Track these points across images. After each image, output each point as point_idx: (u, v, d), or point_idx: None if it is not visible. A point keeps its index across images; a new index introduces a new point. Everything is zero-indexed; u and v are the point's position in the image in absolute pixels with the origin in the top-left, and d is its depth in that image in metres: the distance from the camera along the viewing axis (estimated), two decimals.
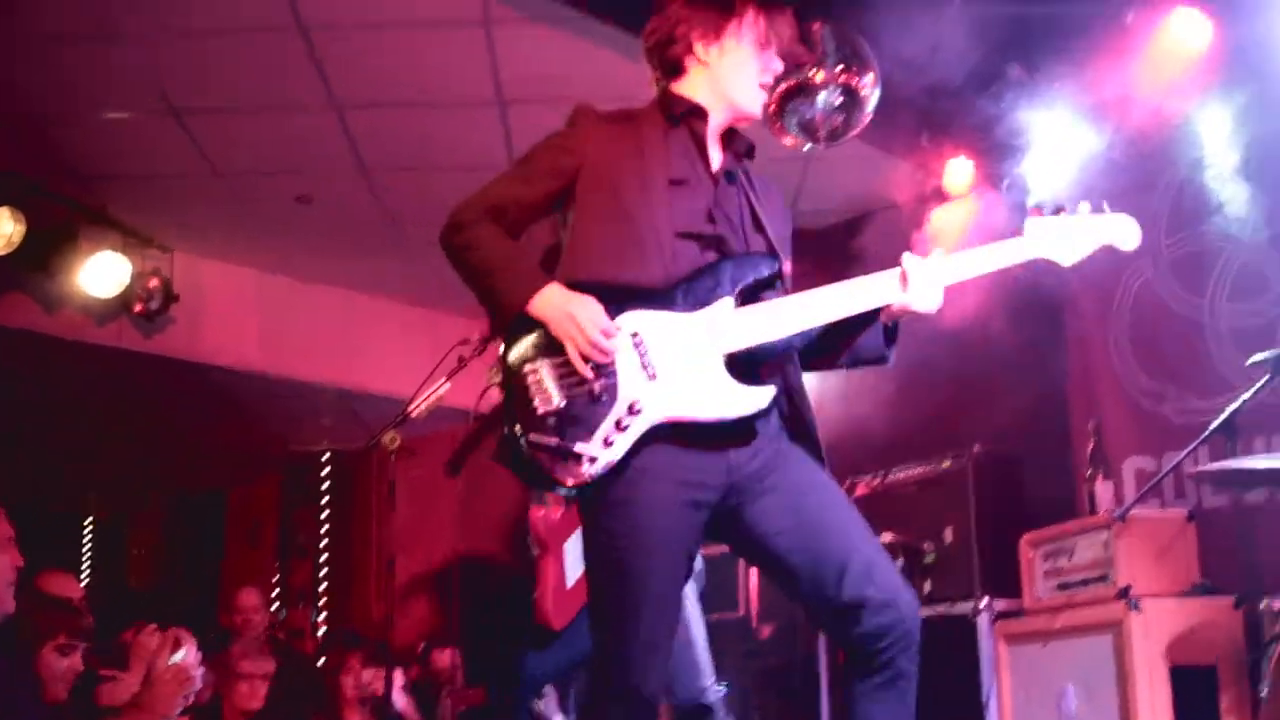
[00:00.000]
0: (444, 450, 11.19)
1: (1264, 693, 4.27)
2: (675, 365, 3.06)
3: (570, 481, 2.98)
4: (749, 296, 3.17)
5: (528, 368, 3.05)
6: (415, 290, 10.22)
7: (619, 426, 2.98)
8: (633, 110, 3.42)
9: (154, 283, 8.65)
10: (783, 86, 6.02)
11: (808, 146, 6.24)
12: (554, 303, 3.05)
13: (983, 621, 6.04)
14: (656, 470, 3.01)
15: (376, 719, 7.08)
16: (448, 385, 5.85)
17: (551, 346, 3.05)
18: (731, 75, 3.35)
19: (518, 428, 2.99)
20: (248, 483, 13.15)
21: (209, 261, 9.42)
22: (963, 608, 6.18)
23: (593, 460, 2.95)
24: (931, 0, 6.08)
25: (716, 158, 3.36)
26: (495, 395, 5.21)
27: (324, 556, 12.23)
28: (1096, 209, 3.38)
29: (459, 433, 11.20)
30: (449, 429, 11.22)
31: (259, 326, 9.74)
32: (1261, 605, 4.87)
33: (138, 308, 8.63)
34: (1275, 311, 6.03)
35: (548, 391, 3.02)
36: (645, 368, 3.04)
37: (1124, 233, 3.40)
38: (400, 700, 6.89)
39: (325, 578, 12.17)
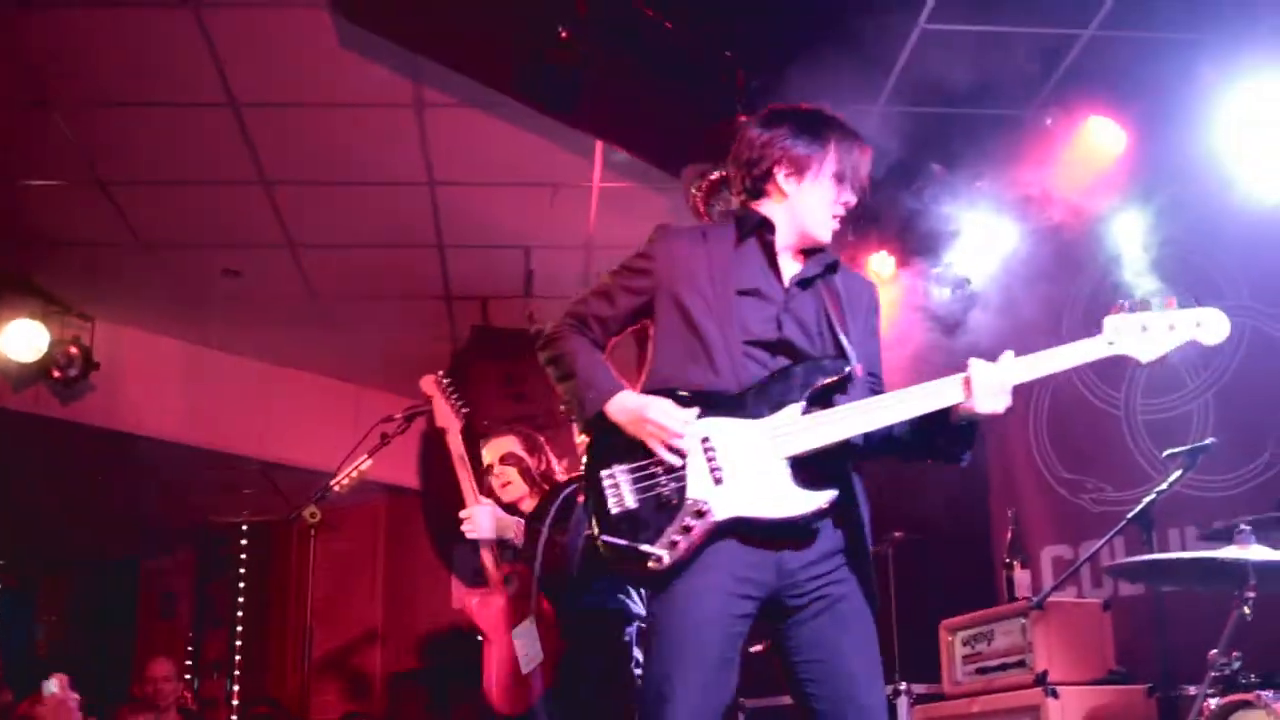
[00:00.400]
0: (364, 525, 11.25)
1: None
2: (740, 468, 3.22)
3: (641, 575, 3.21)
4: (820, 400, 3.29)
5: (604, 473, 3.26)
6: (338, 365, 10.22)
7: (685, 529, 3.15)
8: (708, 226, 3.73)
9: (73, 350, 8.61)
10: (713, 176, 6.16)
11: None
12: (628, 405, 3.29)
13: (902, 705, 6.07)
14: (715, 563, 3.18)
15: None
16: (370, 461, 5.85)
17: (628, 452, 3.27)
18: (807, 207, 3.50)
19: (596, 528, 3.22)
20: (163, 553, 12.97)
21: (131, 330, 9.36)
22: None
23: (659, 560, 3.14)
24: (857, 98, 6.23)
25: (792, 268, 3.50)
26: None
27: (239, 628, 12.07)
28: (1185, 303, 3.31)
29: (380, 507, 11.26)
30: (369, 504, 11.28)
31: (180, 397, 9.67)
32: (1175, 693, 4.96)
33: (56, 374, 8.58)
34: (1189, 406, 6.20)
35: (622, 495, 3.23)
36: (712, 472, 3.20)
37: (1210, 326, 3.29)
38: None
39: (240, 649, 12.01)
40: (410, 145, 7.07)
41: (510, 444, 5.55)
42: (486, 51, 6.11)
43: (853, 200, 3.54)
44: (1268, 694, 4.07)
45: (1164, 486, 5.11)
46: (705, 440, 3.22)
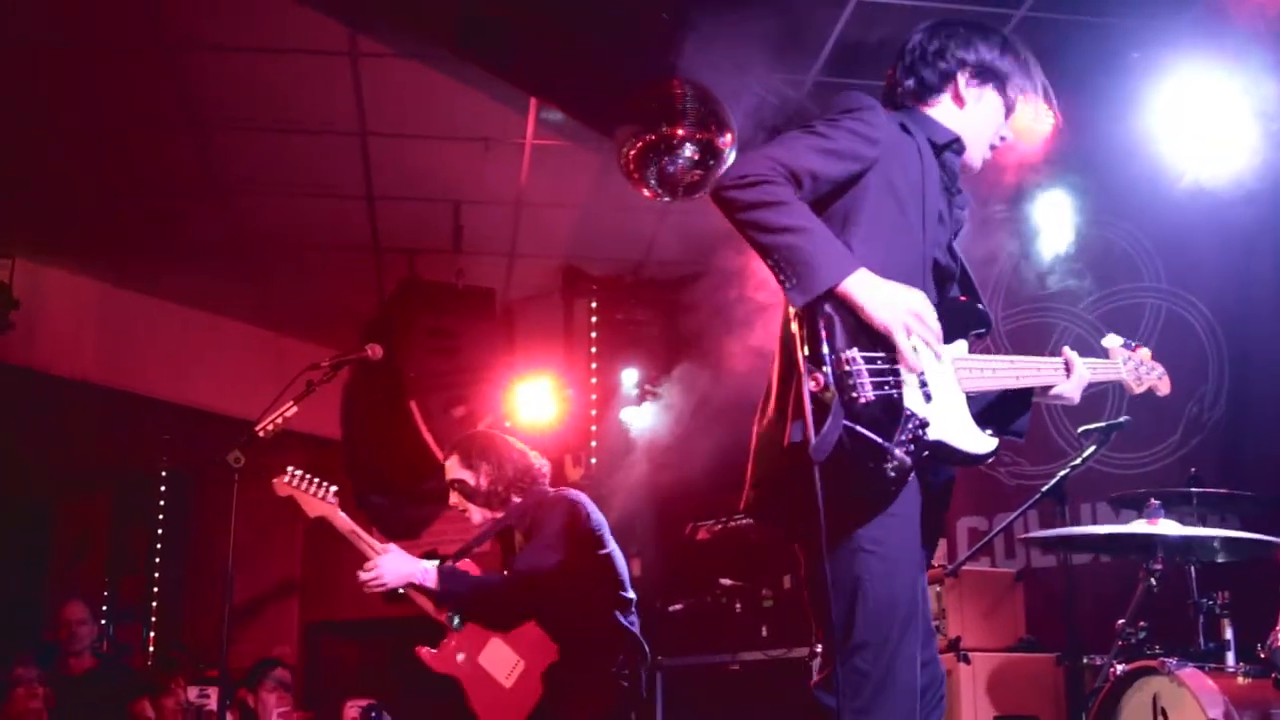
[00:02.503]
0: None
1: None
2: (941, 392, 3.04)
3: (872, 477, 2.88)
4: (970, 344, 3.22)
5: (848, 354, 2.89)
6: (262, 313, 10.13)
7: (913, 438, 2.89)
8: (899, 117, 3.29)
9: None
10: (645, 140, 6.17)
11: (665, 198, 6.37)
12: (882, 286, 2.95)
13: (817, 666, 6.16)
14: (912, 493, 3.02)
15: None
16: (295, 408, 5.79)
17: (856, 336, 2.93)
18: (980, 124, 3.35)
19: (839, 413, 2.84)
20: (78, 496, 12.83)
21: (52, 270, 9.20)
22: (799, 652, 6.31)
23: (898, 464, 2.87)
24: (791, 68, 6.28)
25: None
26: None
27: (156, 574, 12.00)
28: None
29: (300, 458, 11.20)
30: (290, 454, 11.20)
31: (100, 338, 9.53)
32: (1083, 661, 5.09)
33: None
34: (1104, 386, 6.31)
35: (863, 384, 2.87)
36: (923, 387, 2.99)
37: (1164, 385, 3.84)
38: None
39: (157, 595, 11.94)
40: (344, 94, 7.00)
41: (452, 467, 5.43)
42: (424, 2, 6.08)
43: (1010, 138, 3.43)
44: (1171, 661, 4.19)
45: (1078, 462, 5.24)
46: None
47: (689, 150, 6.09)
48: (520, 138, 7.45)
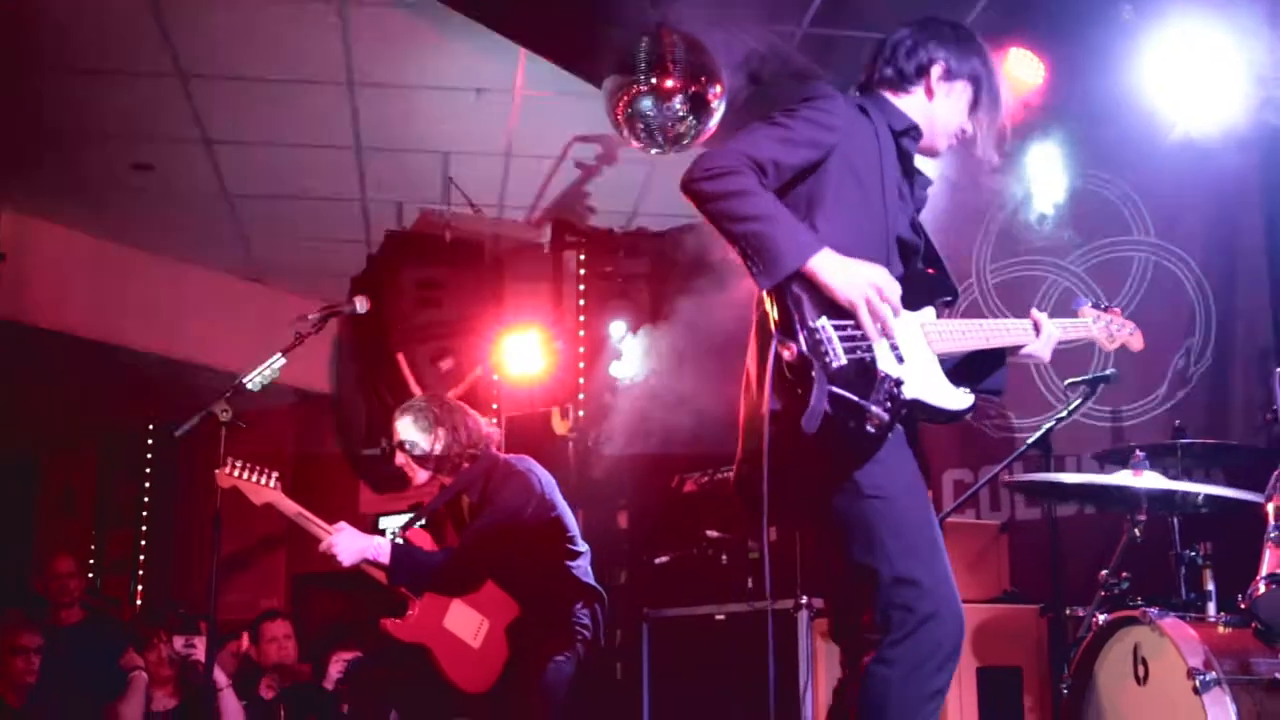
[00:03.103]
0: (274, 425, 11.19)
1: (1065, 690, 4.51)
2: (912, 354, 3.25)
3: (856, 435, 3.05)
4: (938, 311, 3.44)
5: (816, 324, 3.10)
6: (249, 265, 10.11)
7: (889, 396, 3.08)
8: (860, 100, 3.53)
9: None
10: (634, 91, 6.15)
11: (654, 150, 6.36)
12: (846, 266, 3.14)
13: (802, 618, 6.19)
14: (900, 439, 3.21)
15: (184, 694, 6.98)
16: (283, 360, 5.77)
17: (830, 308, 3.12)
18: (944, 117, 3.58)
19: (822, 378, 3.02)
20: (66, 449, 12.83)
21: (39, 222, 9.17)
22: (783, 604, 6.34)
23: (879, 420, 3.05)
24: (781, 18, 6.25)
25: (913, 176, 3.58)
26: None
27: (144, 527, 12.01)
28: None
29: (288, 410, 11.21)
30: (277, 406, 11.21)
31: (87, 291, 9.51)
32: (1066, 613, 5.13)
33: None
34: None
35: (835, 350, 3.07)
36: (895, 349, 3.19)
37: (1136, 340, 4.06)
38: (219, 675, 6.81)
39: (144, 549, 11.95)
40: (332, 44, 6.96)
41: (403, 428, 5.44)
42: None
43: (968, 131, 3.62)
44: (1152, 610, 4.22)
45: (1064, 414, 5.26)
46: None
47: (678, 102, 6.08)
48: (509, 88, 7.42)
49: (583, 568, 5.39)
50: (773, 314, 3.14)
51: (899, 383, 3.11)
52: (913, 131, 3.51)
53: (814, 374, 3.01)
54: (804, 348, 3.05)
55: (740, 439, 3.35)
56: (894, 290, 3.16)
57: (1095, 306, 3.98)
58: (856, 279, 3.12)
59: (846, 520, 3.20)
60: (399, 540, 5.21)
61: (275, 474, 5.18)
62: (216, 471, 5.09)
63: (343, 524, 5.12)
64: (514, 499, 5.26)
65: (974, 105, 3.59)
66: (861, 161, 3.34)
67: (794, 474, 3.15)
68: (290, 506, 5.12)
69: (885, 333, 3.15)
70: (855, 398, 3.02)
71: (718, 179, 3.16)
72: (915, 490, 3.26)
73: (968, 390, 3.34)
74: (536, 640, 5.14)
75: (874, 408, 3.03)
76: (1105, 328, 3.96)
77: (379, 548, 5.05)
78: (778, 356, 3.09)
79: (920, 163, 3.61)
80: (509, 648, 5.12)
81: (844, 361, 3.06)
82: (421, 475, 5.44)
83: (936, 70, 3.54)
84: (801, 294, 3.12)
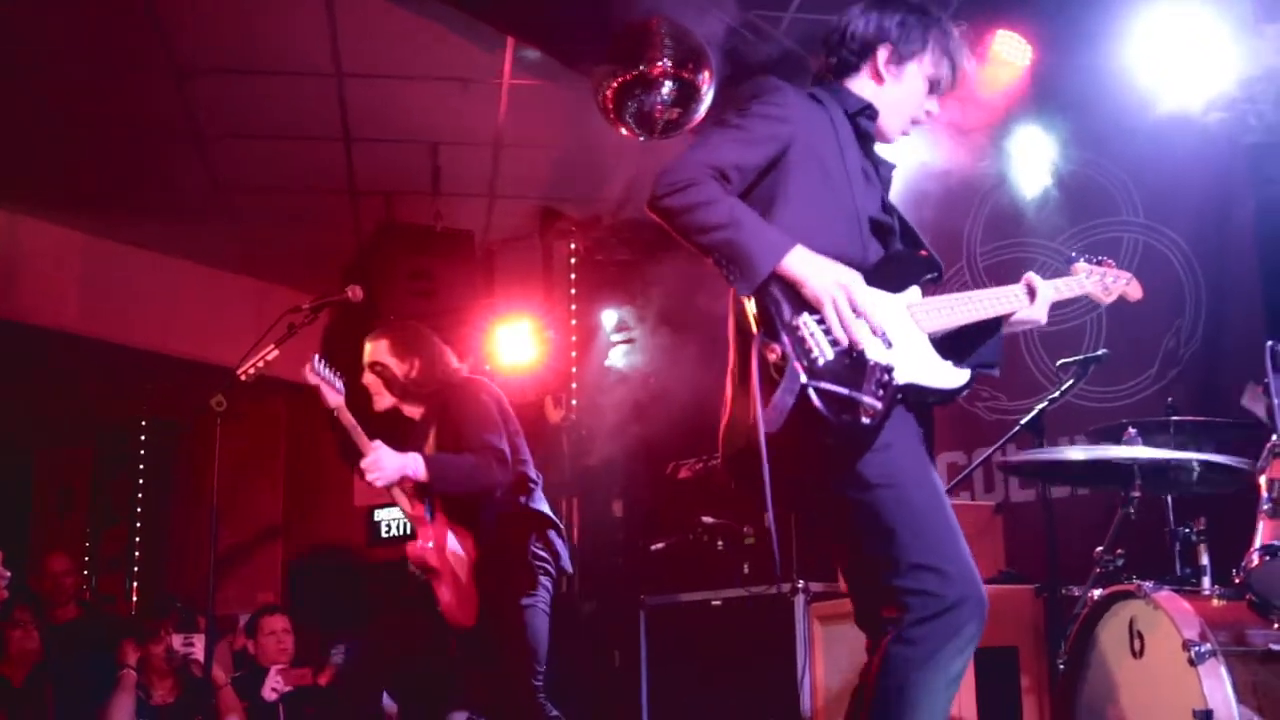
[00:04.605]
0: (265, 421, 11.19)
1: (1062, 665, 4.52)
2: (900, 337, 3.19)
3: (850, 427, 3.01)
4: (923, 289, 3.37)
5: (797, 321, 3.06)
6: (241, 259, 10.10)
7: (881, 384, 3.05)
8: (814, 90, 3.49)
9: None
10: (623, 78, 6.15)
11: (643, 137, 6.36)
12: (817, 265, 3.10)
13: (799, 602, 6.21)
14: (903, 423, 3.17)
15: (183, 689, 6.98)
16: (276, 352, 5.78)
17: (803, 307, 3.09)
18: (895, 102, 3.51)
19: (805, 376, 2.99)
20: (60, 447, 12.81)
21: (30, 219, 9.16)
22: (780, 588, 6.36)
23: (872, 410, 3.02)
24: (766, 3, 6.25)
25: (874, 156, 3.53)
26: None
27: (139, 524, 12.00)
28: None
29: (280, 403, 11.20)
30: (270, 400, 11.22)
31: (79, 288, 9.50)
32: (1061, 592, 5.14)
33: None
34: (1082, 319, 6.37)
35: (819, 346, 3.04)
36: (880, 336, 3.12)
37: (1135, 289, 4.02)
38: (218, 674, 6.82)
39: (140, 545, 11.95)
40: (320, 35, 6.96)
41: (379, 350, 5.43)
42: None
43: (936, 112, 3.57)
44: (1147, 584, 4.23)
45: (1056, 395, 5.27)
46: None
47: (667, 88, 6.09)
48: (498, 78, 7.42)
49: (537, 495, 5.35)
50: (751, 313, 3.11)
51: (889, 369, 3.08)
52: (867, 110, 3.47)
53: (788, 373, 2.99)
54: (788, 348, 3.02)
55: (722, 431, 3.33)
56: (862, 292, 3.10)
57: (1089, 261, 3.91)
58: (825, 278, 3.09)
59: (858, 514, 3.14)
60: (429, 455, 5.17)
61: (345, 379, 5.23)
62: (306, 367, 5.14)
63: (378, 442, 5.06)
64: (486, 399, 5.26)
65: (933, 84, 3.53)
66: (821, 147, 3.31)
67: (790, 470, 3.11)
68: (349, 418, 5.12)
69: (848, 332, 3.05)
70: (845, 391, 2.99)
71: (680, 192, 3.14)
72: (923, 474, 3.19)
73: (961, 366, 3.29)
74: (499, 581, 5.12)
75: (866, 398, 3.01)
76: (1100, 281, 3.91)
77: (416, 461, 5.02)
78: (762, 358, 3.06)
79: (880, 149, 3.57)
80: (477, 589, 5.11)
81: (830, 355, 3.03)
82: (387, 400, 5.42)
83: (882, 54, 3.49)
84: (780, 295, 3.09)
